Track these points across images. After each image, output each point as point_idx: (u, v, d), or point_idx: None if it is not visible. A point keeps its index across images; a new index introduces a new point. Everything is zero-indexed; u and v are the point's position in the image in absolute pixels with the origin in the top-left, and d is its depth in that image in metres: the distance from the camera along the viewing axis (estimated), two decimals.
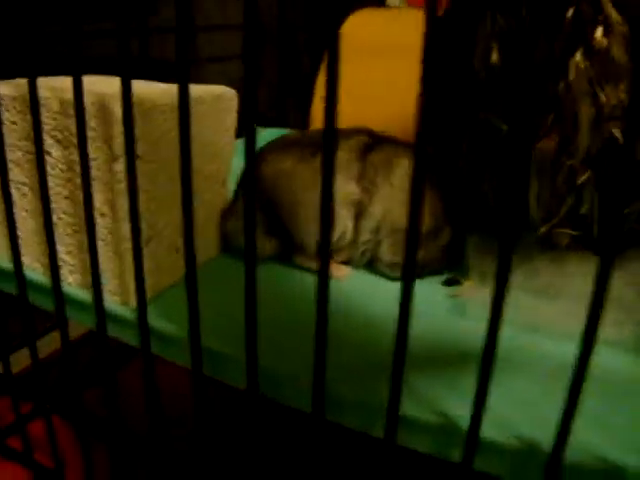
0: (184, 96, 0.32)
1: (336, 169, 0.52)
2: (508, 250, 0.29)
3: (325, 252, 0.31)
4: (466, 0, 0.51)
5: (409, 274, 0.30)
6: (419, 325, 0.45)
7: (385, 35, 0.94)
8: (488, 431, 0.33)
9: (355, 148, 0.52)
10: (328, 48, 0.28)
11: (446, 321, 0.46)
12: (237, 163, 0.55)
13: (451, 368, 0.40)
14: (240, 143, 0.58)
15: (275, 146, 0.54)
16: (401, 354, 0.31)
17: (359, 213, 0.51)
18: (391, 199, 0.51)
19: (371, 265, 0.53)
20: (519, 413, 0.36)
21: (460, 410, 0.35)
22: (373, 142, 0.53)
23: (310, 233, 0.51)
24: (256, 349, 0.34)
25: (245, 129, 0.31)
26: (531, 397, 0.37)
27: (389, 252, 0.51)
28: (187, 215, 0.35)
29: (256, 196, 0.51)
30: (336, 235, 0.51)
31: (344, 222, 0.51)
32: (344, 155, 0.51)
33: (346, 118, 0.57)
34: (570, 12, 0.42)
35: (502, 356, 0.43)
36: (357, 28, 0.94)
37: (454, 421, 0.35)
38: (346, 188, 0.50)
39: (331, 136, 0.29)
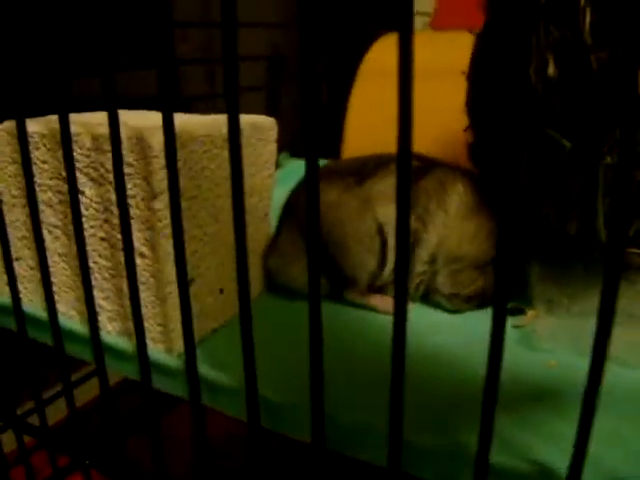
0: (234, 125, 0.30)
1: (384, 197, 0.49)
2: (614, 279, 0.25)
3: (401, 288, 0.27)
4: (513, 13, 0.48)
5: (500, 312, 0.26)
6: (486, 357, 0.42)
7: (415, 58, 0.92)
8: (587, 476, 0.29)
9: None
10: (399, 66, 0.26)
11: (515, 354, 0.43)
12: (277, 194, 0.52)
13: (531, 408, 0.36)
14: (280, 172, 0.56)
15: (322, 173, 0.51)
16: (492, 397, 0.28)
17: (413, 242, 0.48)
18: (446, 227, 0.47)
19: (426, 298, 0.50)
20: (610, 450, 0.32)
21: (553, 456, 0.31)
22: (423, 166, 0.50)
23: (362, 266, 0.48)
24: (322, 398, 0.30)
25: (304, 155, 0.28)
26: (618, 431, 0.34)
27: (447, 283, 0.48)
28: (240, 253, 0.32)
29: (302, 228, 0.48)
30: (389, 268, 0.48)
31: (394, 253, 0.48)
32: (392, 182, 0.48)
33: (381, 143, 0.54)
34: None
35: (573, 384, 0.40)
36: (384, 53, 0.92)
37: (549, 468, 0.31)
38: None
39: (406, 161, 0.26)
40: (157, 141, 0.37)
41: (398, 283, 0.27)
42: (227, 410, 0.38)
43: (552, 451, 0.32)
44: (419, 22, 1.13)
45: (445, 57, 0.77)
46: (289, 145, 0.75)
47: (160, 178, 0.38)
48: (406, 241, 0.26)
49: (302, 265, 0.50)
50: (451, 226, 0.47)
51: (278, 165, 0.67)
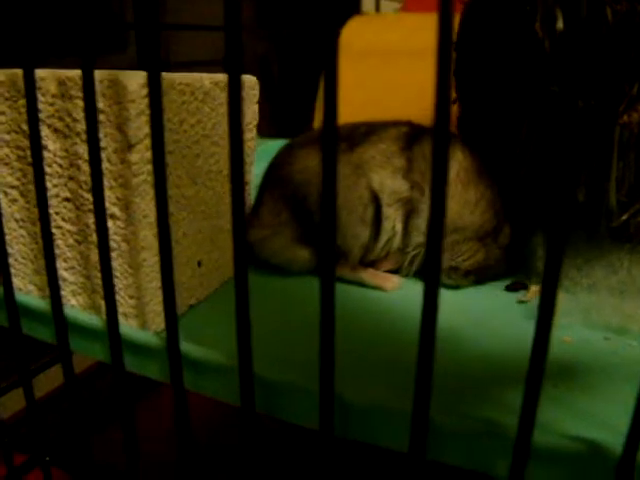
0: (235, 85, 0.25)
1: (377, 163, 0.45)
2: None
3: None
4: None
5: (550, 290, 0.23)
6: (500, 336, 0.38)
7: (384, 40, 0.89)
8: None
9: (396, 138, 0.45)
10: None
11: (526, 332, 0.39)
12: (258, 170, 0.48)
13: (556, 386, 0.33)
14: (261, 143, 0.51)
15: (304, 141, 0.47)
16: (538, 373, 0.24)
17: (409, 212, 0.44)
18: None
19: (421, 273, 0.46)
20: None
21: (593, 433, 0.28)
22: (416, 132, 0.46)
23: (354, 238, 0.43)
24: (332, 380, 0.26)
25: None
26: None
27: (446, 255, 0.44)
28: (237, 212, 0.28)
29: (286, 199, 0.44)
30: (383, 240, 0.44)
31: (392, 224, 0.44)
32: (385, 147, 0.44)
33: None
34: None
35: (594, 360, 0.37)
36: (354, 34, 0.89)
37: (597, 445, 0.27)
38: (392, 184, 0.44)
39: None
40: (133, 83, 0.32)
41: (429, 265, 0.23)
42: (215, 393, 0.33)
43: (587, 427, 0.29)
44: (389, 8, 1.10)
45: (419, 37, 0.74)
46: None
47: (136, 126, 0.33)
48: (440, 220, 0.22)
49: (284, 238, 0.46)
50: (451, 194, 0.44)
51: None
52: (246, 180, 0.46)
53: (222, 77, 0.40)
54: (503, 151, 0.46)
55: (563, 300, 0.41)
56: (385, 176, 0.43)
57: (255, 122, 0.45)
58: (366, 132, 0.46)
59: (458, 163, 0.44)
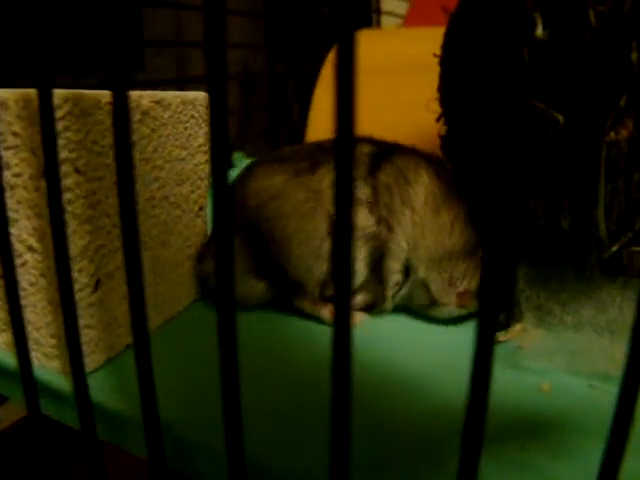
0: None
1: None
2: None
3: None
4: None
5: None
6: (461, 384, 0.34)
7: (385, 54, 0.86)
8: None
9: (358, 162, 0.41)
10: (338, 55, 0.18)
11: (499, 377, 0.35)
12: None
13: (523, 446, 0.28)
14: (233, 172, 0.48)
15: (264, 159, 0.43)
16: (476, 441, 0.20)
17: (381, 254, 0.40)
18: (416, 225, 0.40)
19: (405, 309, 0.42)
20: None
21: None
22: (378, 154, 0.42)
23: (307, 272, 0.39)
24: (242, 438, 0.22)
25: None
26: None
27: (443, 289, 0.40)
28: (131, 257, 0.24)
29: (239, 224, 0.40)
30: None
31: (356, 264, 0.40)
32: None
33: None
34: None
35: (571, 414, 0.32)
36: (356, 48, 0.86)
37: None
38: (355, 219, 0.39)
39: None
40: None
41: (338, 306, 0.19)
42: (129, 447, 0.30)
43: None
44: (391, 22, 1.07)
45: (420, 51, 0.71)
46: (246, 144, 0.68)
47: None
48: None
49: (237, 270, 0.42)
50: (422, 223, 0.40)
51: (232, 164, 0.59)
52: (201, 205, 0.42)
53: (164, 94, 0.37)
54: (489, 170, 0.41)
55: (545, 340, 0.37)
56: None
57: (208, 144, 0.41)
58: (327, 152, 0.42)
59: (424, 188, 0.40)
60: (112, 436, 0.30)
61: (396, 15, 1.02)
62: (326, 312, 0.40)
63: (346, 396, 0.20)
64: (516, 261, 0.39)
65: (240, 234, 0.40)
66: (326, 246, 0.39)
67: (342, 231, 0.18)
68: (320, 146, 0.43)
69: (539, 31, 0.36)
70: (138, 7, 0.84)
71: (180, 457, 0.28)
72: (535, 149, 0.36)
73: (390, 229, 0.40)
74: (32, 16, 0.23)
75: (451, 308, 0.40)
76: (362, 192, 0.40)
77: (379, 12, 0.98)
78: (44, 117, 0.25)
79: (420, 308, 0.41)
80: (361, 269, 0.40)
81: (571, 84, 0.34)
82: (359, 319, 0.40)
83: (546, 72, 0.35)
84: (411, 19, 0.96)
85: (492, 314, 0.19)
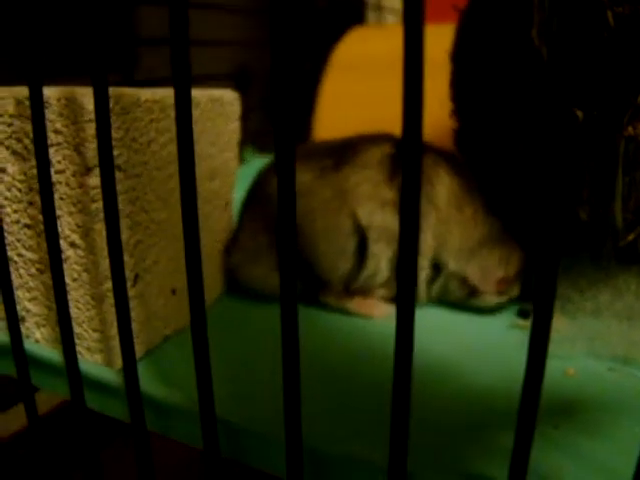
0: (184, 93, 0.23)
1: (365, 193, 0.41)
2: None
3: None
4: None
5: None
6: (500, 369, 0.35)
7: (384, 51, 0.87)
8: None
9: (380, 163, 0.42)
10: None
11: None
12: (238, 191, 0.45)
13: (556, 427, 0.30)
14: (243, 168, 0.49)
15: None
16: (529, 425, 0.21)
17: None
18: (442, 222, 0.41)
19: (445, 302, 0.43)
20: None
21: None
22: (399, 154, 0.43)
23: (332, 269, 0.41)
24: (300, 427, 0.23)
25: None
26: None
27: (487, 273, 0.41)
28: (191, 245, 0.25)
29: (265, 219, 0.41)
30: (367, 272, 0.41)
31: (376, 261, 0.41)
32: (372, 175, 0.41)
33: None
34: None
35: (598, 395, 0.33)
36: (354, 45, 0.86)
37: None
38: (382, 219, 0.40)
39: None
40: (92, 103, 0.30)
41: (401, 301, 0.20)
42: (181, 437, 0.31)
43: (591, 476, 0.26)
44: (390, 19, 1.08)
45: (431, 47, 0.72)
46: (255, 139, 0.69)
47: (95, 148, 0.30)
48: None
49: (265, 263, 0.43)
50: (447, 220, 0.41)
51: (242, 159, 0.60)
52: (227, 200, 0.43)
53: (194, 93, 0.38)
54: (502, 166, 0.43)
55: (566, 326, 0.38)
56: (374, 208, 0.40)
57: (235, 140, 0.42)
58: (354, 148, 0.43)
59: (446, 189, 0.41)
60: (158, 425, 0.31)
61: (396, 11, 1.03)
62: (352, 304, 0.41)
63: (407, 392, 0.21)
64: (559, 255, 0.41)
65: (267, 230, 0.41)
66: (351, 244, 0.40)
67: (407, 244, 0.20)
68: (343, 144, 0.43)
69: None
70: (131, 6, 0.84)
71: (233, 445, 0.29)
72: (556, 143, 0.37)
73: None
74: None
75: (491, 296, 0.41)
76: (387, 194, 0.41)
77: (380, 9, 0.99)
78: (100, 116, 0.26)
79: (459, 300, 0.42)
80: (383, 268, 0.41)
81: (591, 82, 0.35)
82: (386, 309, 0.41)
83: (566, 70, 0.36)
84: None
85: (548, 310, 0.20)
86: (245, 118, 0.45)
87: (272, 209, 0.41)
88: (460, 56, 0.49)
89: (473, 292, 0.41)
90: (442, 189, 0.42)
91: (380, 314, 0.41)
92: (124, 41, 0.69)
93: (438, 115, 0.50)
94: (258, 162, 0.54)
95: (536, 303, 0.20)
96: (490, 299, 0.41)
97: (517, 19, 0.40)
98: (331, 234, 0.40)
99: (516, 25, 0.40)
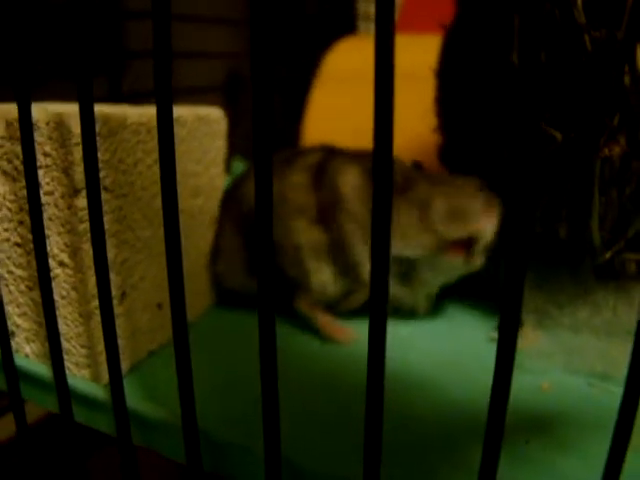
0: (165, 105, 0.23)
1: (294, 207, 0.41)
2: None
3: None
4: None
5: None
6: (477, 382, 0.36)
7: (373, 63, 0.88)
8: None
9: (308, 170, 0.42)
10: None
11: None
12: None
13: (529, 442, 0.31)
14: (230, 178, 0.50)
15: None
16: (497, 436, 0.22)
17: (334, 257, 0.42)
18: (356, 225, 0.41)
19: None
20: None
21: None
22: (323, 160, 0.43)
23: (307, 274, 0.41)
24: (279, 438, 0.24)
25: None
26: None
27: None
28: (173, 261, 0.26)
29: (238, 224, 0.42)
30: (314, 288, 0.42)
31: (318, 276, 0.42)
32: (300, 180, 0.42)
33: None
34: None
35: (573, 411, 0.34)
36: (344, 55, 0.87)
37: None
38: (309, 232, 0.41)
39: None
40: (79, 126, 0.31)
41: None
42: (165, 451, 0.31)
43: None
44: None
45: (410, 59, 0.73)
46: (243, 149, 0.69)
47: (82, 170, 0.31)
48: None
49: (238, 267, 0.43)
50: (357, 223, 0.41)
51: (229, 169, 0.61)
52: (212, 216, 0.44)
53: (181, 111, 0.39)
54: (488, 180, 0.43)
55: (544, 341, 0.39)
56: (303, 226, 0.41)
57: (222, 157, 0.43)
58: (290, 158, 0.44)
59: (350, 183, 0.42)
60: (143, 439, 0.32)
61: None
62: (319, 320, 0.41)
63: (379, 407, 0.22)
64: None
65: (240, 232, 0.42)
66: (299, 255, 0.41)
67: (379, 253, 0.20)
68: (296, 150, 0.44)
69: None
70: (119, 19, 0.84)
71: (215, 458, 0.30)
72: (535, 163, 0.38)
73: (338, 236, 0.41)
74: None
75: (457, 257, 0.40)
76: (309, 207, 0.41)
77: (370, 18, 1.00)
78: (86, 138, 0.27)
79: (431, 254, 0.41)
80: (326, 279, 0.42)
81: (568, 104, 0.36)
82: (351, 335, 0.41)
83: (545, 93, 0.37)
84: (401, 26, 0.98)
85: (514, 322, 0.21)
86: (235, 126, 0.46)
87: (246, 212, 0.42)
88: (445, 73, 0.50)
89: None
90: (347, 189, 0.41)
91: (344, 339, 0.41)
92: (112, 52, 0.70)
93: (419, 130, 0.51)
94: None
95: (503, 310, 0.20)
96: (456, 261, 0.40)
97: (500, 39, 0.41)
98: (282, 243, 0.41)
99: (499, 45, 0.41)
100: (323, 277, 0.41)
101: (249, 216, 0.41)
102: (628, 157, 0.36)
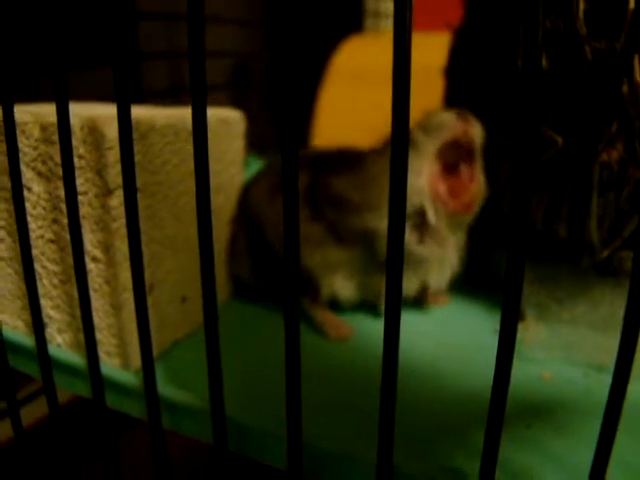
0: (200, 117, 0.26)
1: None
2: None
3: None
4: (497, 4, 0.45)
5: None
6: (483, 372, 0.38)
7: (382, 59, 0.90)
8: None
9: (304, 201, 0.44)
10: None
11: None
12: None
13: (531, 427, 0.33)
14: (247, 173, 0.52)
15: (273, 167, 0.48)
16: (498, 419, 0.24)
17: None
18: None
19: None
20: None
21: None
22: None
23: (315, 268, 0.43)
24: (300, 426, 0.27)
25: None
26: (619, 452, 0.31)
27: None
28: (205, 254, 0.28)
29: (245, 229, 0.45)
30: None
31: (329, 290, 0.44)
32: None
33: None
34: (632, 1, 0.36)
35: (571, 399, 0.37)
36: (353, 53, 0.89)
37: None
38: (320, 257, 0.43)
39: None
40: (112, 131, 0.33)
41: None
42: (191, 433, 0.34)
43: (560, 474, 0.29)
44: (389, 25, 1.10)
45: (418, 56, 0.74)
46: (256, 145, 0.71)
47: (115, 172, 0.34)
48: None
49: (244, 270, 0.46)
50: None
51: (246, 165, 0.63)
52: (231, 213, 0.46)
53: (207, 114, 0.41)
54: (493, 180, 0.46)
55: (544, 334, 0.41)
56: (311, 251, 0.43)
57: (240, 157, 0.45)
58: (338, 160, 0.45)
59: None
60: (171, 422, 0.34)
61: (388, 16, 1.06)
62: (318, 316, 0.43)
63: (392, 393, 0.25)
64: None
65: (245, 238, 0.45)
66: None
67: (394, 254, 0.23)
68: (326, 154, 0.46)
69: (542, 62, 0.40)
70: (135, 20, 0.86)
71: (239, 440, 0.32)
72: (537, 166, 0.41)
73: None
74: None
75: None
76: (316, 231, 0.43)
77: (378, 15, 1.02)
78: (123, 144, 0.29)
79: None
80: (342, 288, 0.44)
81: (570, 110, 0.39)
82: (348, 332, 0.43)
83: (548, 98, 0.39)
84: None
85: (514, 314, 0.23)
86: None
87: (251, 215, 0.45)
88: (454, 72, 0.52)
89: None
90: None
91: (338, 336, 0.42)
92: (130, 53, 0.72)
93: None
94: (257, 166, 0.57)
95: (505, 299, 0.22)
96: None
97: (508, 42, 0.43)
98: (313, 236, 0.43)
99: (506, 48, 0.43)
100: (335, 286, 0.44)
101: (253, 222, 0.44)
102: (625, 162, 0.38)
